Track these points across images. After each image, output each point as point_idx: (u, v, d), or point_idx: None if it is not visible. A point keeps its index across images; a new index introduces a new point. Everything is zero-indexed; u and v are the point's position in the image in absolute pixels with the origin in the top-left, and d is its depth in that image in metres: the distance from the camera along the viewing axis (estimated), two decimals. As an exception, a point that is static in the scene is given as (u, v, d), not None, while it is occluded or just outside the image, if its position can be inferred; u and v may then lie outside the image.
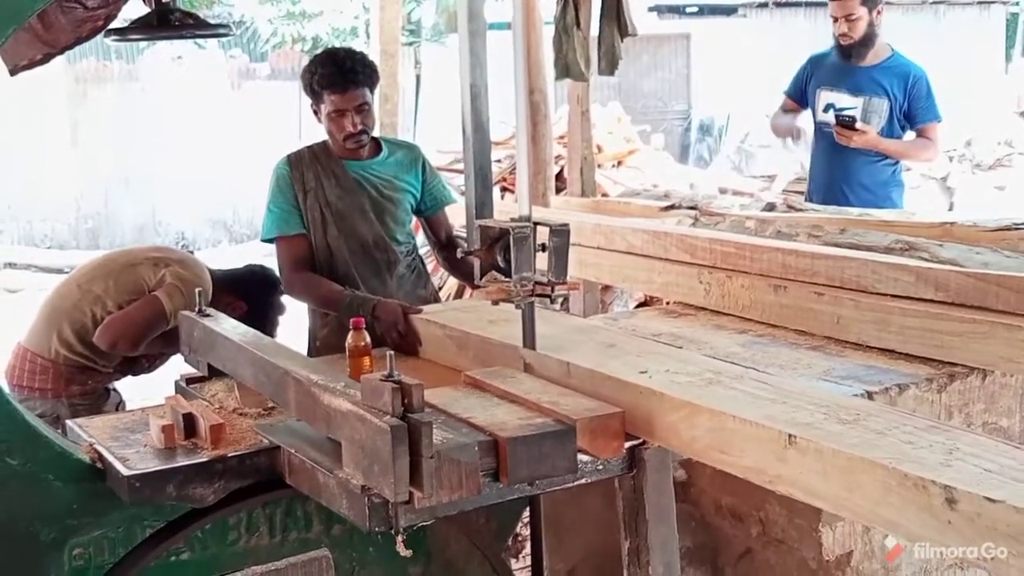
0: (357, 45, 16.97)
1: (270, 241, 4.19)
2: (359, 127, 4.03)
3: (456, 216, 5.32)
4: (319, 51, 4.31)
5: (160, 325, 4.12)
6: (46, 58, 4.26)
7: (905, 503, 2.09)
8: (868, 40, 5.57)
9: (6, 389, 2.95)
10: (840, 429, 2.37)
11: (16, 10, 2.81)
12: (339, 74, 3.97)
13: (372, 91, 4.10)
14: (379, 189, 4.17)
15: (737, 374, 2.87)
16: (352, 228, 4.14)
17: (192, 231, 15.41)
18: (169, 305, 4.07)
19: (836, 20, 5.56)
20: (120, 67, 15.80)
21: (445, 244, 4.36)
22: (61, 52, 4.25)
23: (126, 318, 4.11)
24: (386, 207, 4.19)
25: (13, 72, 4.26)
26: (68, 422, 3.29)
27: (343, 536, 3.18)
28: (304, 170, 4.14)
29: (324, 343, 4.20)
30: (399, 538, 2.54)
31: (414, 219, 4.33)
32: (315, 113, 4.11)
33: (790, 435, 2.34)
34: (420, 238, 4.65)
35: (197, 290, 3.55)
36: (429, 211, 4.33)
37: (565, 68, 5.46)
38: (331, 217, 4.12)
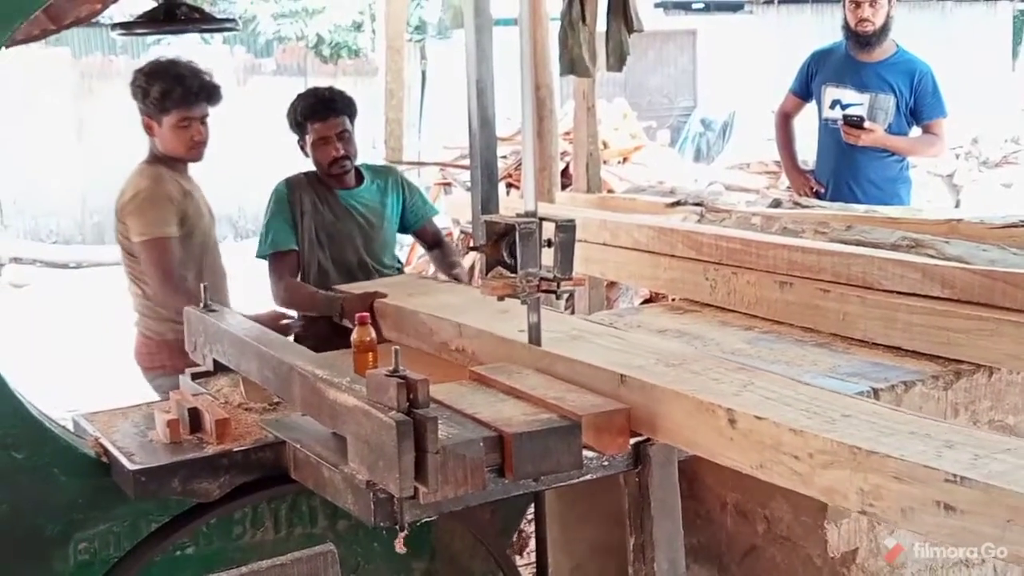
0: (361, 41, 17.02)
1: (263, 258, 4.37)
2: (341, 152, 4.26)
3: (463, 212, 5.35)
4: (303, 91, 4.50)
5: (164, 253, 3.98)
6: (43, 34, 4.32)
7: (701, 424, 2.57)
8: (885, 29, 5.56)
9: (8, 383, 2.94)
10: (664, 370, 2.84)
11: (22, 6, 2.82)
12: (320, 103, 4.27)
13: (352, 121, 4.34)
14: (366, 217, 4.42)
15: (599, 332, 3.28)
16: (341, 254, 4.39)
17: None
18: (149, 232, 3.95)
19: (857, 6, 5.52)
20: (125, 62, 15.80)
21: (434, 247, 4.73)
22: (58, 31, 4.31)
23: (149, 272, 3.99)
24: (373, 235, 4.45)
25: (8, 45, 4.31)
26: (73, 416, 3.29)
27: (348, 531, 3.19)
28: (302, 193, 4.37)
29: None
30: (400, 536, 2.54)
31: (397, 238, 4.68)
32: (301, 148, 4.36)
33: (622, 375, 2.81)
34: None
35: (158, 196, 3.86)
36: (414, 227, 4.64)
37: (570, 64, 5.45)
38: (325, 240, 4.37)
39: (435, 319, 3.60)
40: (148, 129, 4.07)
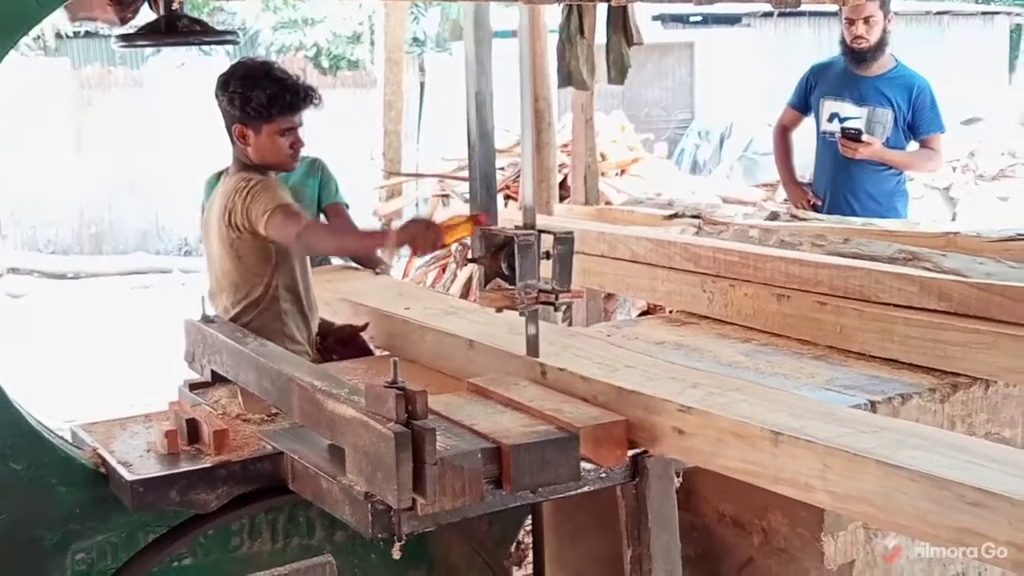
0: (361, 52, 17.04)
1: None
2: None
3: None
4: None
5: (293, 212, 3.65)
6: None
7: (526, 377, 3.09)
8: (881, 45, 5.58)
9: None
10: (507, 336, 3.34)
11: (24, 17, 2.83)
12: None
13: None
14: (295, 195, 4.19)
15: (472, 310, 3.80)
16: None
17: (195, 237, 15.42)
18: (276, 202, 3.61)
19: (852, 23, 5.55)
20: (125, 73, 15.82)
21: None
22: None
23: (286, 235, 3.61)
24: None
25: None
26: (71, 427, 3.29)
27: (345, 542, 3.19)
28: None
29: None
30: (397, 544, 2.55)
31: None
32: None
33: (470, 341, 3.38)
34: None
35: (271, 182, 3.66)
36: (320, 205, 4.72)
37: (568, 76, 5.46)
38: None
39: (338, 300, 4.08)
40: (242, 138, 3.73)
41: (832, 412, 2.62)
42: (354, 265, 4.85)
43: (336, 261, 5.06)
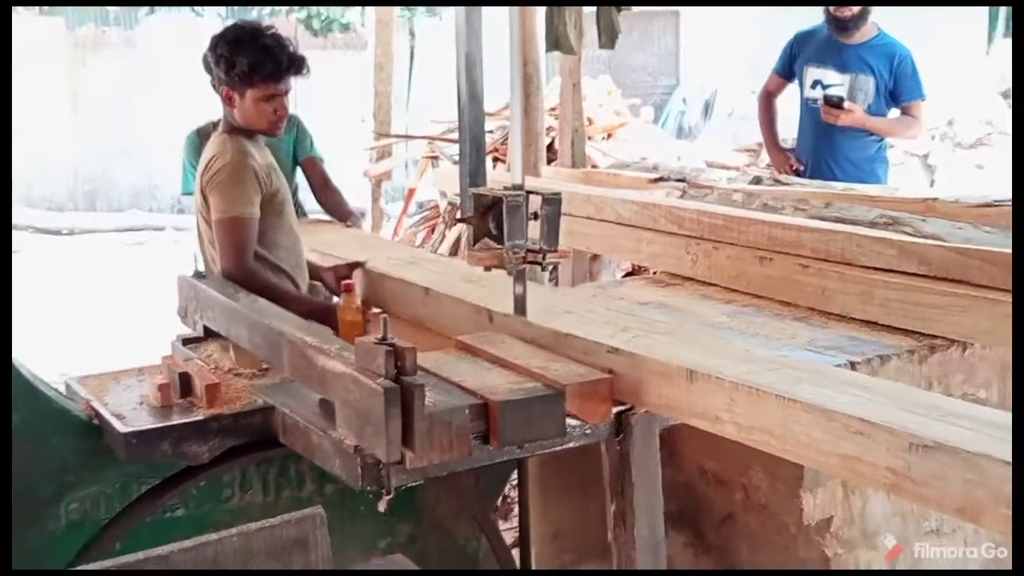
0: (352, 15, 16.99)
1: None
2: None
3: (450, 184, 5.41)
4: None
5: (240, 232, 3.68)
6: None
7: (472, 324, 3.34)
8: (864, 14, 5.62)
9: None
10: (462, 285, 3.63)
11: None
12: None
13: None
14: (272, 150, 4.23)
15: (431, 259, 4.25)
16: None
17: (187, 197, 15.40)
18: (231, 211, 3.67)
19: None
20: (119, 34, 15.80)
21: (321, 187, 4.99)
22: None
23: (222, 249, 3.68)
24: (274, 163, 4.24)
25: None
26: (66, 379, 3.34)
27: (335, 495, 3.24)
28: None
29: None
30: (384, 497, 2.60)
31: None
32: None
33: (426, 288, 3.64)
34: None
35: (244, 174, 3.67)
36: (298, 160, 4.96)
37: (555, 41, 5.49)
38: None
39: (308, 251, 4.15)
40: (228, 100, 3.77)
41: (744, 353, 2.83)
42: (326, 218, 4.97)
43: (313, 216, 5.13)
